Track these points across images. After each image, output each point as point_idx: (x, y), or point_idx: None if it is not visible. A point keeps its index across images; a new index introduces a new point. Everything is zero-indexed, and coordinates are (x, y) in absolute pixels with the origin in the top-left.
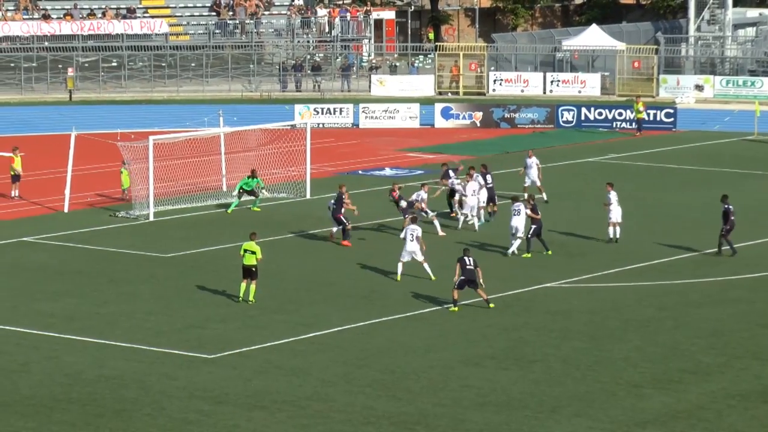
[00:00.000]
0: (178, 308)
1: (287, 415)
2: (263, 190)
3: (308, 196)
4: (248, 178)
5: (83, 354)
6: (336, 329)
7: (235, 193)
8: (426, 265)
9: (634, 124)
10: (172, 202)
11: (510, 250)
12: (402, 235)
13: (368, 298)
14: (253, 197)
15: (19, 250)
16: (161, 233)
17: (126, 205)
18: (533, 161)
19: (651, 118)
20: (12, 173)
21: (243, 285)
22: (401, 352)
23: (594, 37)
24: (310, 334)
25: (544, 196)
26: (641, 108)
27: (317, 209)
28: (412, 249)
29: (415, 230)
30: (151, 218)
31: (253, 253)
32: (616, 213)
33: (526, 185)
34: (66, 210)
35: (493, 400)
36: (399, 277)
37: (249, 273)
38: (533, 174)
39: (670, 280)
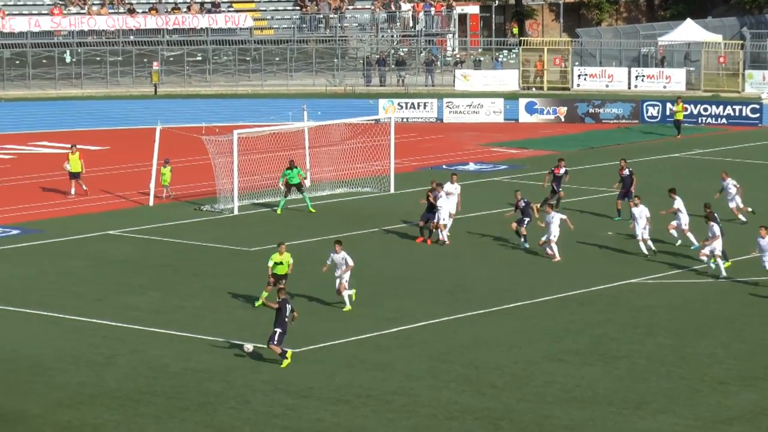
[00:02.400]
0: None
1: (371, 409)
2: (305, 180)
3: (392, 190)
4: (287, 170)
5: (168, 347)
6: (420, 324)
7: (282, 187)
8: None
9: (673, 126)
10: (257, 196)
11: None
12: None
13: (452, 293)
14: (300, 194)
15: (105, 243)
16: (245, 227)
17: (210, 199)
18: (730, 182)
19: (737, 113)
20: (70, 170)
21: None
22: (485, 347)
23: (689, 31)
24: (394, 329)
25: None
26: (680, 109)
27: (401, 204)
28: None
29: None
30: (236, 212)
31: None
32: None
33: (731, 206)
34: (151, 203)
35: (577, 395)
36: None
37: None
38: (733, 194)
39: (757, 276)
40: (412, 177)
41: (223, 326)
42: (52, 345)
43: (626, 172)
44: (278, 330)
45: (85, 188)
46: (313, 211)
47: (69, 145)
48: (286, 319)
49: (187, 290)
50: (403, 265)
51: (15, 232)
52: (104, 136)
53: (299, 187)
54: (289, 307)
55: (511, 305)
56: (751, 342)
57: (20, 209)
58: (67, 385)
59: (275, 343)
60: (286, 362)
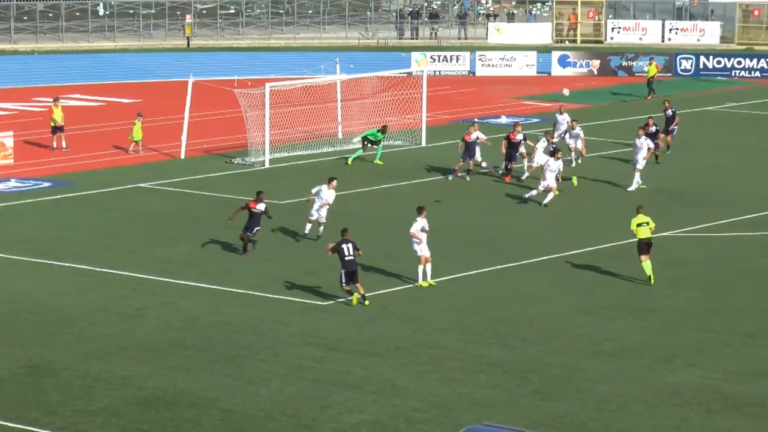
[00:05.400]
0: (293, 255)
1: (400, 362)
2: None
3: (424, 143)
4: (377, 131)
5: (199, 300)
6: (450, 277)
7: (357, 140)
8: (428, 266)
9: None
10: (288, 149)
11: None
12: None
13: (482, 247)
14: (375, 147)
15: (136, 196)
16: (277, 180)
17: (242, 152)
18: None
19: None
20: (52, 124)
21: None
22: (515, 301)
23: None
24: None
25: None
26: (653, 68)
27: (433, 157)
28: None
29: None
30: (267, 165)
31: None
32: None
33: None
34: (182, 156)
35: (607, 349)
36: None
37: None
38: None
39: None
40: (444, 130)
41: (254, 279)
42: (83, 297)
43: (669, 112)
44: (341, 271)
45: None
46: (380, 163)
47: (52, 98)
48: (347, 258)
49: (218, 243)
50: (432, 219)
51: (47, 184)
52: (136, 89)
53: (375, 143)
54: (346, 247)
55: (541, 258)
56: None
57: (52, 162)
58: (98, 337)
59: (342, 284)
60: (355, 297)
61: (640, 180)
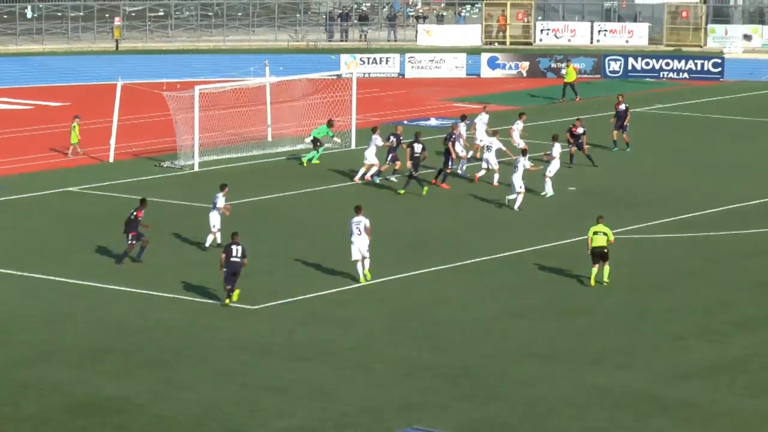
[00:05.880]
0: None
1: (330, 366)
2: (334, 139)
3: (353, 146)
4: (328, 127)
5: (127, 304)
6: (380, 280)
7: (309, 140)
8: (366, 263)
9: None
10: (218, 152)
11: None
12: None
13: (412, 249)
14: (317, 147)
15: (64, 200)
16: (206, 183)
17: (171, 155)
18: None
19: (698, 68)
20: None
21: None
22: (445, 304)
23: None
24: (354, 285)
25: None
26: (571, 71)
27: (362, 159)
28: (360, 244)
29: (360, 222)
30: (197, 168)
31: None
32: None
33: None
34: (111, 160)
35: (536, 352)
36: (363, 279)
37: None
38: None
39: (716, 231)
40: None
41: (182, 283)
42: (10, 303)
43: (622, 107)
44: (224, 270)
45: None
46: (318, 162)
47: None
48: (232, 259)
49: (147, 247)
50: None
51: None
52: (65, 92)
53: (319, 141)
54: (235, 248)
55: (471, 261)
56: (709, 297)
57: None
58: (25, 343)
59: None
60: (227, 300)
61: (552, 187)
